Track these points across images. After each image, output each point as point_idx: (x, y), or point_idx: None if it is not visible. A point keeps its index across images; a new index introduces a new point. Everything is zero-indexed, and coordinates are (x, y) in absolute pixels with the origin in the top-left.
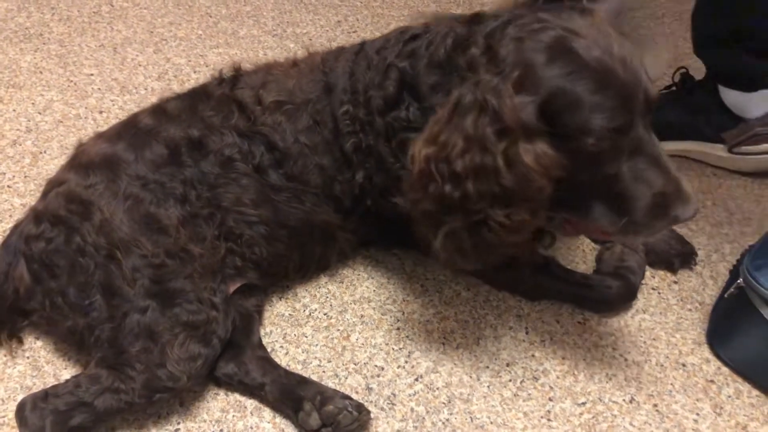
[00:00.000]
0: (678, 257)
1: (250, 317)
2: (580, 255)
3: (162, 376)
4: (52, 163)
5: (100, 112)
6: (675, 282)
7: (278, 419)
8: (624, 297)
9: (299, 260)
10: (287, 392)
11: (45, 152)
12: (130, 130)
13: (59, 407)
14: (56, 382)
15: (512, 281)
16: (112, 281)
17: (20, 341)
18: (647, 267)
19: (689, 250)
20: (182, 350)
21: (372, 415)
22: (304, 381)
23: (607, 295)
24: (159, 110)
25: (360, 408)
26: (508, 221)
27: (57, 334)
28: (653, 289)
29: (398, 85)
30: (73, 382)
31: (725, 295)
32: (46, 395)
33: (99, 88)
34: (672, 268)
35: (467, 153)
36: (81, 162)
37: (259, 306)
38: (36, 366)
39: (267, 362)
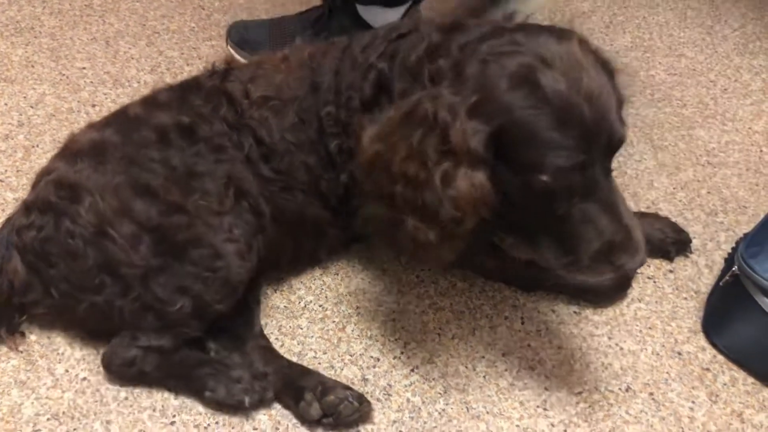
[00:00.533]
0: (674, 245)
1: (249, 309)
2: None
3: (208, 317)
4: (45, 157)
5: (93, 106)
6: (670, 271)
7: (274, 411)
8: (619, 286)
9: (292, 252)
10: (289, 382)
11: (37, 146)
12: (119, 118)
13: (134, 356)
14: (51, 376)
15: (506, 274)
16: (108, 257)
17: (23, 335)
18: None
19: (685, 238)
20: (217, 291)
21: (371, 405)
22: (306, 372)
23: (603, 284)
24: (149, 100)
25: (361, 398)
26: (416, 234)
27: (71, 321)
28: (649, 278)
29: (375, 87)
30: (141, 343)
31: (720, 284)
32: (114, 350)
33: (91, 82)
34: (668, 257)
35: (405, 161)
36: (70, 151)
37: (257, 298)
38: (30, 360)
39: (269, 352)
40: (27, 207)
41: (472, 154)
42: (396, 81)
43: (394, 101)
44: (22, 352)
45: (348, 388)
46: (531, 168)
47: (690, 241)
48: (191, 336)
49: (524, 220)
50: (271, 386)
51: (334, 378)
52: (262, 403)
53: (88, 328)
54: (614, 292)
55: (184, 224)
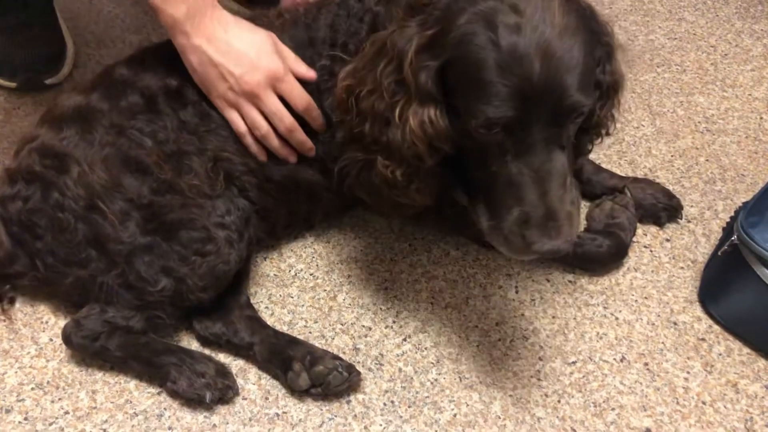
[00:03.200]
0: (665, 211)
1: (238, 276)
2: None
3: (187, 302)
4: (26, 120)
5: (76, 67)
6: (667, 240)
7: (263, 380)
8: (615, 255)
9: (287, 217)
10: (276, 352)
11: (18, 108)
12: (104, 81)
13: (101, 330)
14: (35, 345)
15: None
16: (98, 231)
17: (11, 302)
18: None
19: (676, 204)
20: (201, 277)
21: (361, 376)
22: (293, 341)
23: (598, 253)
24: (135, 60)
25: (350, 368)
26: (385, 173)
27: (56, 293)
28: (645, 247)
29: (370, 30)
30: (110, 317)
31: (718, 253)
32: (78, 323)
33: (74, 42)
34: (659, 222)
35: (371, 95)
36: (53, 116)
37: (248, 262)
38: (13, 329)
39: (256, 322)
40: (10, 176)
41: (420, 89)
42: (388, 23)
43: None
44: (4, 320)
45: (337, 357)
46: (467, 112)
47: (681, 207)
48: (163, 323)
49: (469, 174)
50: (234, 384)
51: (325, 347)
52: (223, 401)
53: (72, 301)
54: (609, 260)
55: (177, 204)
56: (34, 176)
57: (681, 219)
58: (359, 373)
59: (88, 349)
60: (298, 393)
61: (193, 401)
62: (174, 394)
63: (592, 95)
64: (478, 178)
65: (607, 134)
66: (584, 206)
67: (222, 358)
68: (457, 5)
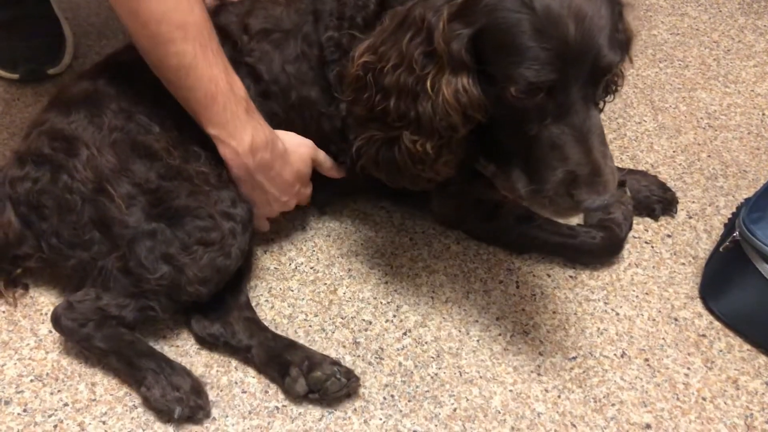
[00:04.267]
0: (659, 203)
1: (239, 274)
2: None
3: (184, 295)
4: (27, 111)
5: (76, 58)
6: (668, 236)
7: (263, 373)
8: (609, 248)
9: None
10: (274, 356)
11: (18, 99)
12: (111, 66)
13: (91, 318)
14: (34, 337)
15: (496, 231)
16: (104, 214)
17: (26, 288)
18: (640, 219)
19: (671, 197)
20: (201, 268)
21: (360, 381)
22: (292, 345)
23: (592, 245)
24: None
25: (349, 374)
26: (413, 148)
27: (60, 275)
28: (646, 242)
29: (379, 3)
30: (104, 304)
31: (720, 249)
32: (71, 305)
33: (74, 33)
34: (653, 215)
35: (397, 69)
36: (62, 100)
37: (248, 260)
38: (12, 320)
39: (254, 324)
40: (20, 158)
41: (454, 58)
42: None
43: None
44: (4, 312)
45: (336, 363)
46: (504, 79)
47: (676, 201)
48: (155, 316)
49: (501, 141)
50: (207, 406)
51: (325, 341)
52: (191, 420)
53: (73, 284)
54: (602, 253)
55: (184, 191)
56: (44, 158)
57: (675, 212)
58: (358, 378)
59: (74, 335)
60: (296, 398)
61: (161, 413)
62: (145, 401)
63: (619, 53)
64: (512, 145)
65: (616, 91)
66: None
67: (219, 357)
68: None
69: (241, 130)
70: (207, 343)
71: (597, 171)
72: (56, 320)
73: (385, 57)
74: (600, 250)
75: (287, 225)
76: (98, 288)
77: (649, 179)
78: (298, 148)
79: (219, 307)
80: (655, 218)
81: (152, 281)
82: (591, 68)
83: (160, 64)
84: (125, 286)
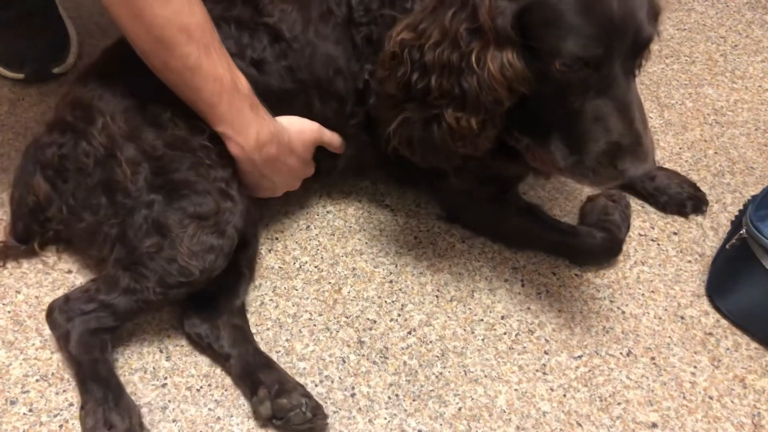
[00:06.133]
0: (690, 201)
1: (239, 275)
2: (563, 209)
3: (174, 271)
4: (32, 110)
5: (80, 58)
6: (675, 233)
7: None
8: (608, 250)
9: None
10: (248, 372)
11: (23, 99)
12: (123, 44)
13: (84, 309)
14: (39, 337)
15: (496, 220)
16: (111, 178)
17: (60, 250)
18: (664, 214)
19: (702, 196)
20: (193, 243)
21: (328, 421)
22: (269, 365)
23: (592, 245)
24: None
25: (316, 410)
26: (456, 125)
27: (75, 240)
28: (652, 240)
29: None
30: (94, 287)
31: (727, 246)
32: (67, 299)
33: (78, 33)
34: (683, 212)
35: (439, 46)
36: (82, 74)
37: (251, 262)
38: (18, 320)
39: (241, 333)
40: (49, 126)
41: (499, 33)
42: None
43: None
44: (9, 312)
45: (307, 395)
46: (549, 53)
47: (707, 201)
48: (146, 304)
49: (540, 114)
50: None
51: (329, 340)
52: None
53: (83, 250)
54: (602, 253)
55: (186, 163)
56: (67, 126)
57: (705, 212)
58: (326, 417)
59: (59, 329)
60: (260, 420)
61: None
62: (81, 424)
63: (656, 26)
64: (553, 118)
65: (645, 63)
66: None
67: None
68: None
69: (247, 127)
70: (194, 342)
71: (639, 141)
72: (50, 312)
73: (425, 34)
74: (600, 250)
75: (291, 224)
76: (98, 282)
77: (680, 177)
78: (301, 135)
79: (211, 308)
80: (686, 215)
81: (143, 250)
82: (632, 42)
83: (164, 67)
84: (121, 257)
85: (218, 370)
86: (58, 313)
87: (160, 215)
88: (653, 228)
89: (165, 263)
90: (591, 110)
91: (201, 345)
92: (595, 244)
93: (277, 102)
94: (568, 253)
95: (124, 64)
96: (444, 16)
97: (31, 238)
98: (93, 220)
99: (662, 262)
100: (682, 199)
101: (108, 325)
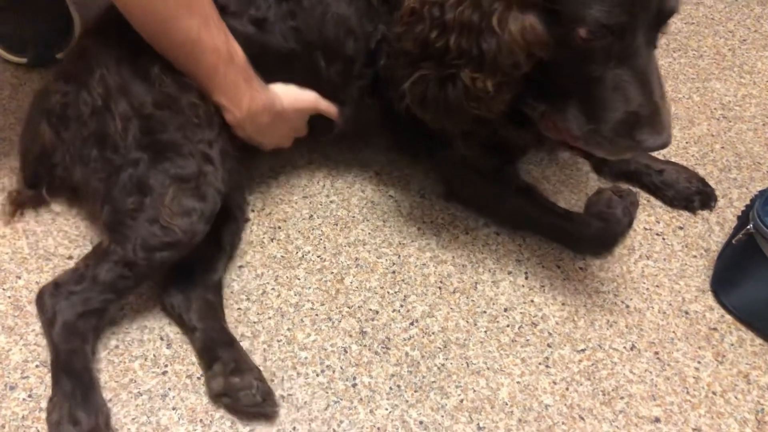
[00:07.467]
0: (698, 195)
1: (219, 249)
2: (568, 202)
3: (157, 231)
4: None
5: None
6: (680, 228)
7: (269, 362)
8: (602, 241)
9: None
10: (209, 348)
11: (25, 84)
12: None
13: (73, 289)
14: (39, 323)
15: (494, 196)
16: (105, 131)
17: (72, 197)
18: (670, 208)
19: (710, 192)
20: (174, 204)
21: (277, 410)
22: (230, 344)
23: (586, 232)
24: None
25: (267, 395)
26: (472, 85)
27: (77, 191)
28: (657, 234)
29: None
30: (83, 264)
31: (733, 241)
32: (57, 284)
33: (82, 17)
34: (691, 207)
35: (460, 5)
36: (92, 24)
37: (234, 237)
38: (18, 306)
39: (211, 309)
40: (56, 76)
41: None
42: None
43: None
44: (9, 297)
45: (261, 379)
46: (573, 19)
47: (715, 197)
48: (131, 283)
49: (557, 80)
50: None
51: (332, 330)
52: None
53: (79, 203)
54: (593, 242)
55: (174, 124)
56: (70, 75)
57: (713, 208)
58: (276, 405)
59: (45, 313)
60: (212, 397)
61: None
62: (46, 415)
63: None
64: (571, 85)
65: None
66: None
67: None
68: None
69: (240, 97)
70: (167, 311)
71: (658, 112)
72: (39, 297)
73: None
74: (592, 239)
75: (294, 213)
76: (87, 258)
77: (689, 172)
78: (295, 103)
79: (188, 280)
80: (693, 210)
81: (126, 208)
82: (657, 11)
83: (165, 40)
84: (107, 219)
85: None
86: (48, 297)
87: (143, 175)
88: (659, 222)
89: (147, 223)
90: (611, 79)
91: (172, 315)
92: (589, 233)
93: (275, 62)
94: (561, 237)
95: (118, 21)
96: None
97: (40, 184)
98: (86, 171)
99: (667, 256)
100: (690, 194)
101: (95, 305)
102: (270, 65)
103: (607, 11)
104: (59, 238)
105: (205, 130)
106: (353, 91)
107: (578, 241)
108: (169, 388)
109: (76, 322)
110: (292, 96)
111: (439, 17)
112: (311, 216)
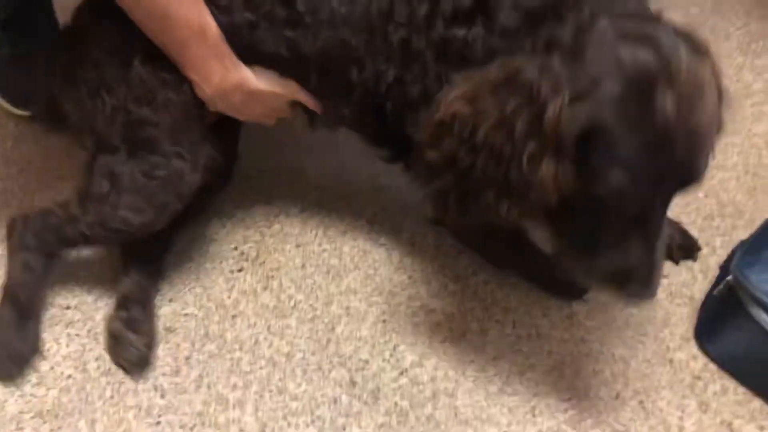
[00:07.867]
0: (680, 249)
1: (166, 246)
2: None
3: (116, 218)
4: (36, 146)
5: None
6: (664, 276)
7: (261, 412)
8: (572, 288)
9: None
10: (128, 297)
11: (27, 135)
12: None
13: (36, 228)
14: (35, 373)
15: (484, 231)
16: (95, 117)
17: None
18: None
19: (691, 245)
20: (137, 197)
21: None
22: (145, 304)
23: (561, 276)
24: None
25: (143, 362)
26: (495, 205)
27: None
28: None
29: (477, 1)
30: (51, 209)
31: (714, 292)
32: (27, 217)
33: None
34: (672, 259)
35: (494, 131)
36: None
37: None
38: None
39: (152, 265)
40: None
41: (561, 146)
42: (504, 10)
43: (489, 29)
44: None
45: (149, 346)
46: (599, 176)
47: (698, 248)
48: (88, 237)
49: (566, 217)
50: (19, 374)
51: (322, 380)
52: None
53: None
54: (566, 289)
55: (151, 120)
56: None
57: (695, 258)
58: (139, 374)
59: (15, 251)
60: (107, 329)
61: None
62: None
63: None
64: (580, 225)
65: None
66: None
67: (218, 390)
68: (608, 53)
69: (211, 74)
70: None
71: (651, 271)
72: (11, 224)
73: (481, 114)
74: (564, 284)
75: (287, 262)
76: (58, 208)
77: (671, 225)
78: (273, 87)
79: (146, 251)
80: (675, 262)
81: (95, 190)
82: (681, 182)
83: (138, 13)
84: (80, 189)
85: (211, 409)
86: (21, 229)
87: (116, 166)
88: None
89: (109, 208)
90: (619, 233)
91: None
92: (561, 279)
93: (257, 57)
94: (547, 279)
95: (109, 7)
96: (506, 103)
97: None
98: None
99: (652, 305)
100: (671, 250)
101: (51, 249)
102: (249, 57)
103: (634, 184)
104: (56, 288)
105: (181, 127)
106: (344, 111)
107: (563, 284)
108: None
109: (42, 261)
110: (271, 79)
111: (469, 136)
112: (303, 265)
